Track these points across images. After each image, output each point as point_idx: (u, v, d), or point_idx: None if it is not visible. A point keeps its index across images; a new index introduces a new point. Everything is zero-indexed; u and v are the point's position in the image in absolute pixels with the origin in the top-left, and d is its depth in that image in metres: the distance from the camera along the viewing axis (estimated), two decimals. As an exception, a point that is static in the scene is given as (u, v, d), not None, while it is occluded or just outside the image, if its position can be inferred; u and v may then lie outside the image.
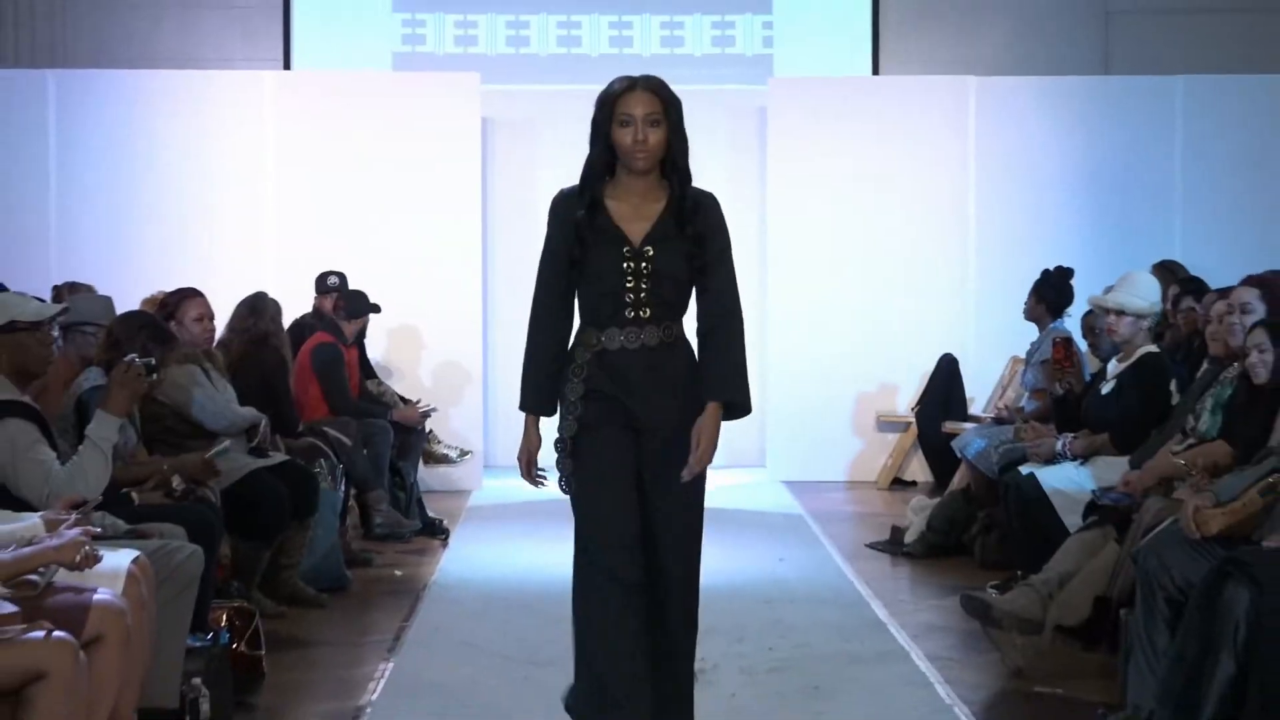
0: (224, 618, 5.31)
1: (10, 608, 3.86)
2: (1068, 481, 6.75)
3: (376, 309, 9.06)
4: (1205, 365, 6.36)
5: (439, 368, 10.76)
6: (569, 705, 4.37)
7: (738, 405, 4.28)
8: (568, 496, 4.31)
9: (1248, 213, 10.85)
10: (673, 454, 4.22)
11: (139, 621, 4.30)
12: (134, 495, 5.51)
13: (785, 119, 11.09)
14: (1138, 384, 6.84)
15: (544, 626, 6.14)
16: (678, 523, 4.27)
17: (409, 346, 10.72)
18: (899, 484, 10.80)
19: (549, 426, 4.35)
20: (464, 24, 12.22)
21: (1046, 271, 8.76)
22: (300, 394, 8.22)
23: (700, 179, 4.31)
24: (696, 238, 4.21)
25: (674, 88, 4.25)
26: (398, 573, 7.74)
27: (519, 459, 4.33)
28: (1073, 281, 8.68)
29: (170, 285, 7.48)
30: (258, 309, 7.68)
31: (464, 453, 9.67)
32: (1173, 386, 6.79)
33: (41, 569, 4.13)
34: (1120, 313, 6.90)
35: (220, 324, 7.42)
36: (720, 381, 4.25)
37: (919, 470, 10.71)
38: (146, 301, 7.69)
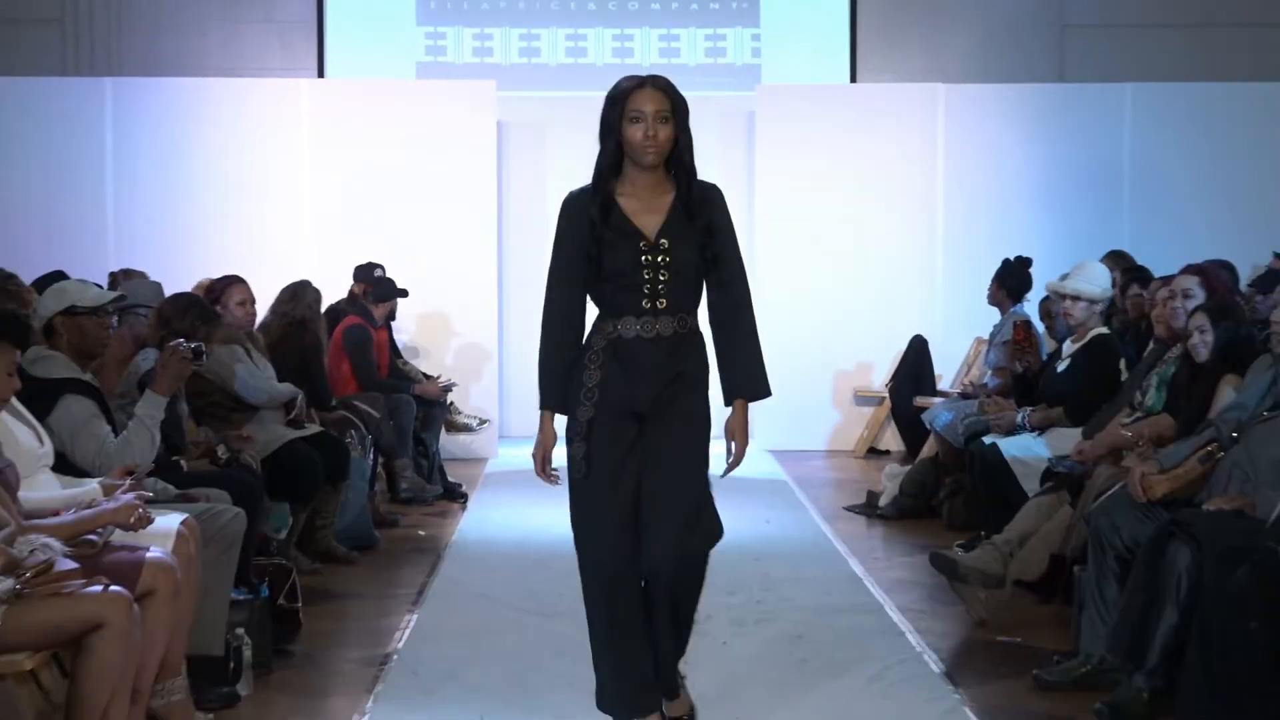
0: (264, 574, 5.31)
1: (72, 565, 3.86)
2: (1026, 450, 6.74)
3: (404, 293, 9.05)
4: (1151, 345, 6.35)
5: (459, 348, 10.75)
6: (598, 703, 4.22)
7: (761, 394, 4.09)
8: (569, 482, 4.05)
9: (1189, 207, 10.82)
10: (673, 411, 4.00)
11: (188, 577, 4.30)
12: (183, 463, 5.50)
13: (772, 123, 11.05)
14: (1090, 363, 6.83)
15: (553, 581, 6.14)
16: (679, 443, 3.99)
17: (433, 329, 10.70)
18: (874, 453, 10.79)
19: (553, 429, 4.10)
20: (481, 36, 12.17)
21: (1007, 261, 8.74)
22: (333, 371, 8.21)
23: (695, 177, 4.18)
24: (707, 228, 4.00)
25: (674, 92, 4.09)
26: (421, 533, 7.74)
27: (534, 456, 4.06)
28: (1031, 270, 8.66)
29: (216, 272, 7.46)
30: (298, 295, 7.66)
31: (482, 421, 9.71)
32: (1121, 365, 6.78)
33: (100, 529, 4.13)
34: (1075, 298, 6.88)
35: (262, 308, 7.40)
36: (748, 381, 4.05)
37: (892, 440, 10.69)
38: (196, 287, 7.67)
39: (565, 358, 4.04)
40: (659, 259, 3.96)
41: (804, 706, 4.67)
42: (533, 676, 4.95)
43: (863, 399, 11.02)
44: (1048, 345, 8.19)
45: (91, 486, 4.48)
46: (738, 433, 4.05)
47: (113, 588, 3.80)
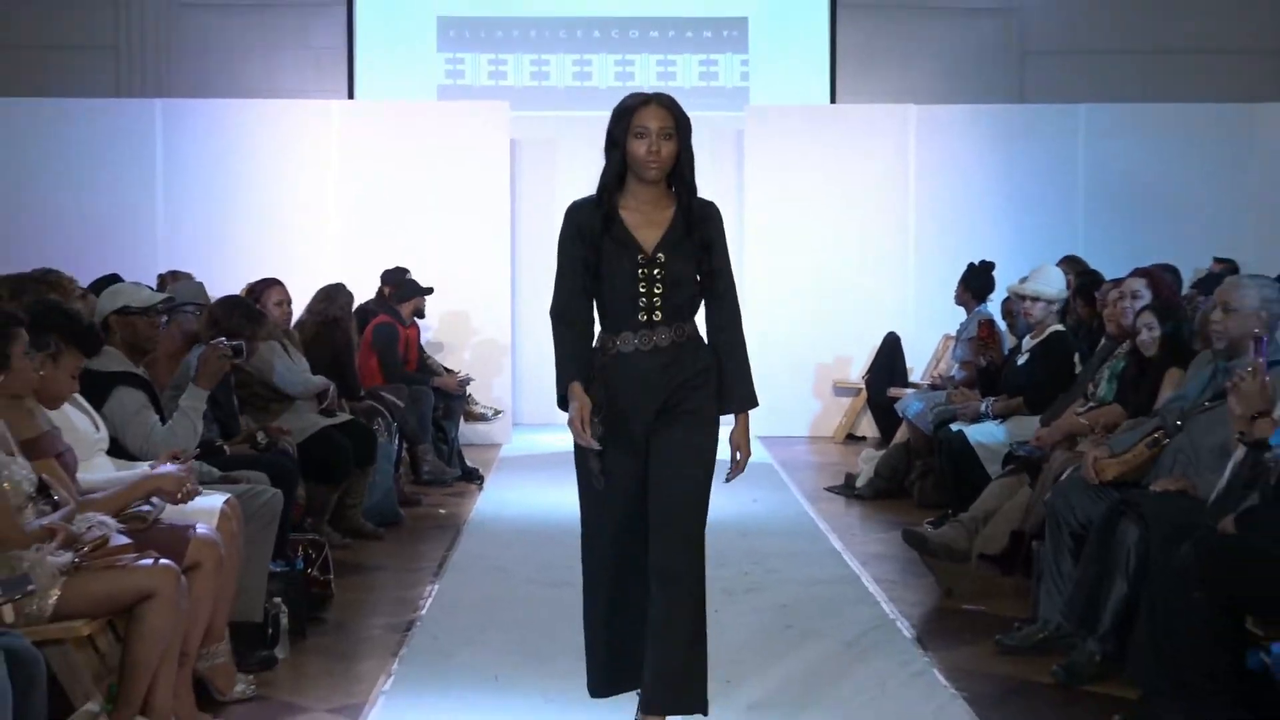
0: (300, 548, 5.31)
1: (125, 540, 3.86)
2: (989, 437, 6.74)
3: (429, 290, 9.05)
4: (1103, 342, 6.34)
5: (477, 344, 10.73)
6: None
7: (749, 406, 3.86)
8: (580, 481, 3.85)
9: (1137, 216, 10.80)
10: (680, 410, 3.79)
11: (230, 551, 4.31)
12: (225, 448, 5.50)
13: (760, 140, 11.04)
14: (1047, 357, 6.82)
15: (563, 555, 6.10)
16: (681, 446, 3.77)
17: (453, 328, 10.69)
18: (851, 439, 10.78)
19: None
20: (496, 61, 12.18)
21: (972, 265, 8.73)
22: (362, 365, 8.21)
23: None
24: (704, 244, 3.75)
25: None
26: (442, 511, 7.74)
27: (571, 425, 3.72)
28: (994, 273, 8.65)
29: (255, 276, 7.46)
30: (331, 297, 7.66)
31: (497, 412, 9.82)
32: (1076, 359, 6.78)
33: (151, 503, 4.13)
34: (1034, 299, 6.88)
35: (297, 308, 7.39)
36: (745, 397, 3.82)
37: (868, 427, 10.68)
38: (243, 290, 7.66)
39: (578, 340, 3.80)
40: (655, 272, 3.72)
41: (788, 668, 4.68)
42: (543, 642, 4.95)
43: (841, 390, 11.02)
44: (1009, 341, 8.18)
45: (142, 469, 4.48)
46: (741, 444, 3.87)
47: (162, 561, 3.80)
